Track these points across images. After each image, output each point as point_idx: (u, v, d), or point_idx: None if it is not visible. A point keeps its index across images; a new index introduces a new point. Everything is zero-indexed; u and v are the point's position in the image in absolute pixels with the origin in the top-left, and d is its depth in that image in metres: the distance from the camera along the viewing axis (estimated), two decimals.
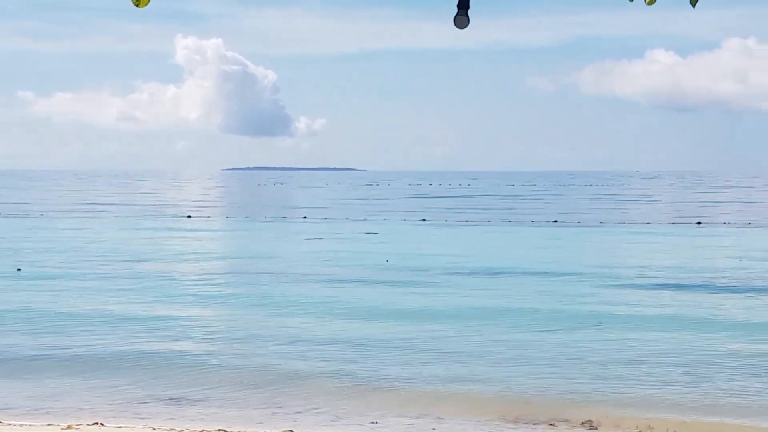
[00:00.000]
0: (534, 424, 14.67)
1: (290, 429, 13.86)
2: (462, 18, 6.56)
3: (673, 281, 31.55)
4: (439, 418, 15.00)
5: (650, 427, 14.23)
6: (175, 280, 32.55)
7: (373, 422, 14.70)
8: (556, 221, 65.10)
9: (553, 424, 14.56)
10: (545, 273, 33.88)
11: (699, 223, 62.63)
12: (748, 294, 28.59)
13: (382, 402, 16.04)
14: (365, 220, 67.12)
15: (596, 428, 14.30)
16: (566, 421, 14.72)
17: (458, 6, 6.55)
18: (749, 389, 16.70)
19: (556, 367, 18.42)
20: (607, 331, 22.22)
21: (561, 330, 22.36)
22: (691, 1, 5.33)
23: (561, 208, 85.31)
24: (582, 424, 14.51)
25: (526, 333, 22.09)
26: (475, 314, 24.58)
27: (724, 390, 16.67)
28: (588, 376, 17.71)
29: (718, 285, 30.59)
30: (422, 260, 38.17)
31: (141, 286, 30.34)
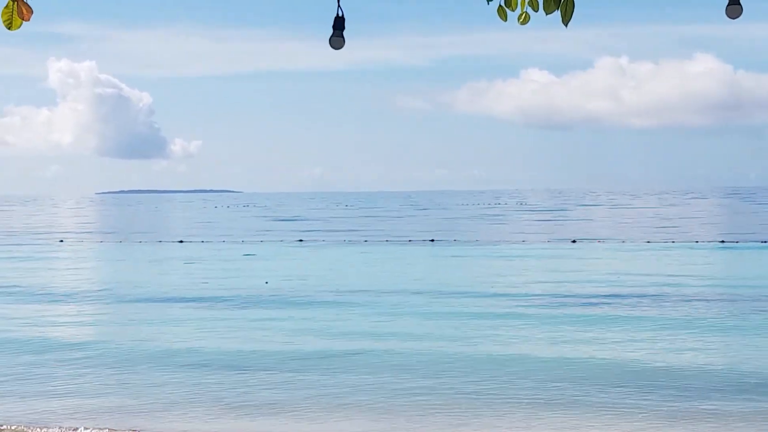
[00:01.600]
0: None
1: None
2: (337, 39, 6.45)
3: (548, 299, 31.99)
4: None
5: None
6: (47, 302, 31.66)
7: None
8: (433, 240, 65.64)
9: None
10: (424, 292, 33.95)
11: (574, 241, 64.02)
12: (621, 309, 29.20)
13: (253, 426, 15.67)
14: (242, 242, 66.41)
15: None
16: None
17: (333, 27, 6.45)
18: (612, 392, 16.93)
19: (426, 378, 18.34)
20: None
21: (438, 349, 22.27)
22: (563, 20, 5.27)
23: (438, 227, 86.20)
24: None
25: (400, 356, 21.93)
26: (355, 336, 24.34)
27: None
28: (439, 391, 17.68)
29: (594, 302, 31.16)
30: (301, 282, 37.91)
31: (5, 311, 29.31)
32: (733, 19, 5.94)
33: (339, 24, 6.44)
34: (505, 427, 15.59)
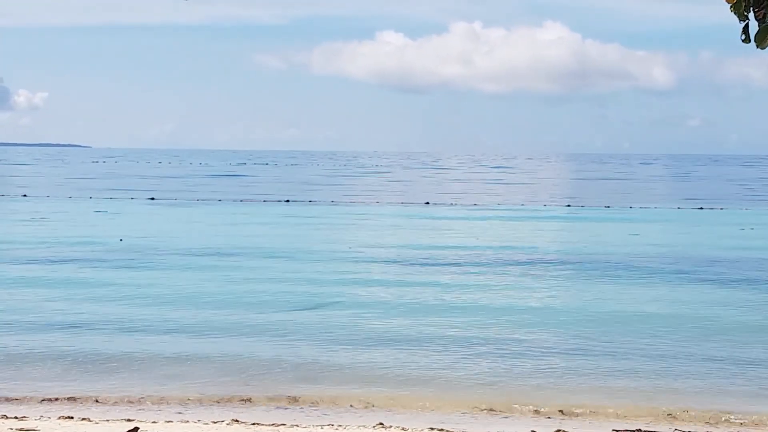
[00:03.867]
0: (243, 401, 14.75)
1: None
2: None
3: (400, 259, 32.62)
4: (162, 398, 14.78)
5: (369, 403, 14.66)
6: None
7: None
8: (288, 200, 65.62)
9: (249, 399, 14.69)
10: (274, 253, 34.07)
11: (427, 203, 65.11)
12: (474, 271, 30.06)
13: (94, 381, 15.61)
14: (91, 198, 64.93)
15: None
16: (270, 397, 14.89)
17: None
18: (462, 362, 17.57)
19: (282, 346, 18.59)
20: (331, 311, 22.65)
21: (286, 311, 22.45)
22: None
23: (293, 187, 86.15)
24: (290, 399, 14.75)
25: (255, 314, 22.04)
26: (205, 298, 24.21)
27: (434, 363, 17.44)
28: (309, 354, 18.00)
29: (449, 262, 31.96)
30: (155, 240, 37.48)
31: None
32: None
33: None
34: (347, 387, 15.98)
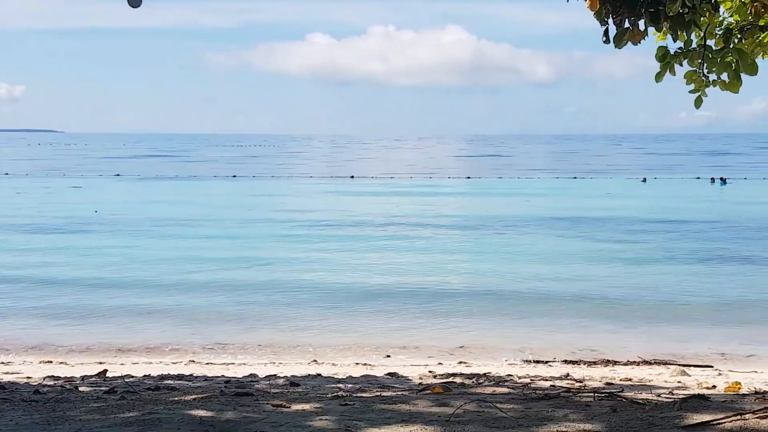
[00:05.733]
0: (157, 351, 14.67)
1: None
2: None
3: (332, 224, 32.58)
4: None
5: (303, 345, 14.70)
6: None
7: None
8: (234, 176, 64.97)
9: (177, 349, 14.60)
10: (228, 220, 33.79)
11: (352, 176, 65.01)
12: (396, 233, 30.18)
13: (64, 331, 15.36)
14: (64, 176, 63.44)
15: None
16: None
17: None
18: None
19: (228, 299, 18.48)
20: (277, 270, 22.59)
21: (234, 269, 22.32)
22: None
23: (239, 166, 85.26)
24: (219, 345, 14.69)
25: (206, 272, 21.88)
26: (165, 260, 23.87)
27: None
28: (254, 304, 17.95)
29: (374, 225, 32.05)
30: (125, 210, 36.96)
31: None
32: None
33: None
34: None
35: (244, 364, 12.95)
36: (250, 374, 11.16)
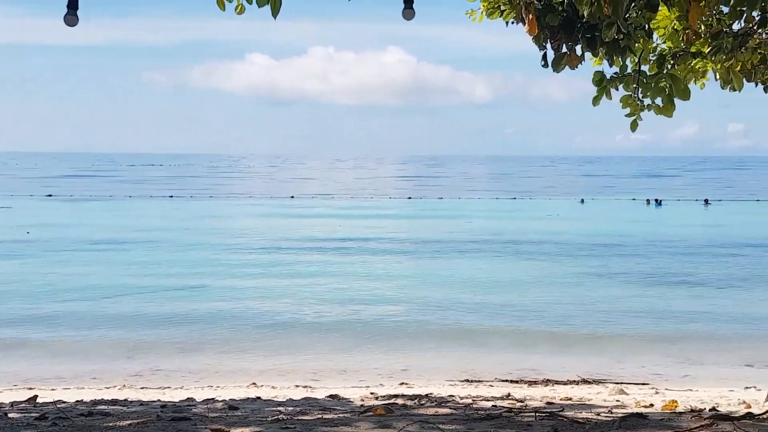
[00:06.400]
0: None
1: None
2: (71, 17, 6.21)
3: (266, 245, 32.43)
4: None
5: (241, 370, 14.57)
6: None
7: None
8: (171, 196, 64.20)
9: (111, 373, 14.40)
10: (164, 242, 33.36)
11: (292, 197, 64.79)
12: (337, 254, 30.14)
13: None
14: None
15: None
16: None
17: (68, 6, 6.19)
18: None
19: (161, 325, 18.23)
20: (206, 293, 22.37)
21: (175, 293, 22.06)
22: (272, 14, 5.25)
23: (176, 186, 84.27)
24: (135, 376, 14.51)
25: (140, 298, 21.57)
26: (96, 285, 23.40)
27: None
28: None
29: (314, 247, 31.96)
30: (58, 231, 36.20)
31: None
32: (408, 20, 6.31)
33: (73, 3, 6.21)
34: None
35: (181, 388, 12.77)
36: (188, 398, 11.02)
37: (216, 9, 5.36)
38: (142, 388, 12.78)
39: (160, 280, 23.76)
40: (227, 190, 73.97)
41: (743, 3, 5.74)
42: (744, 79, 6.95)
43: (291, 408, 9.15)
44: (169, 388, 12.83)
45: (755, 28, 6.55)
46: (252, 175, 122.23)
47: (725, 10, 6.44)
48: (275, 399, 10.78)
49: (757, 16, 6.33)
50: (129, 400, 10.79)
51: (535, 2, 6.36)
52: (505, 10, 6.57)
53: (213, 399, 10.76)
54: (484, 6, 6.73)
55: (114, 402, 10.30)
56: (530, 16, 6.36)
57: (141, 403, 10.33)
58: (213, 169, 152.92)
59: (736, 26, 6.71)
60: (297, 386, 12.82)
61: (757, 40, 6.72)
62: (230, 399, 10.65)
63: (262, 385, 12.98)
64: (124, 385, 13.06)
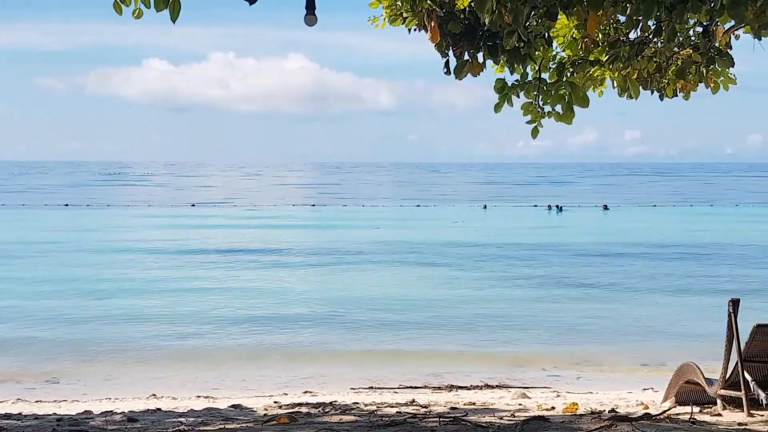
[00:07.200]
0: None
1: None
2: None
3: (165, 253, 31.90)
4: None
5: (142, 379, 14.28)
6: None
7: None
8: (67, 204, 62.39)
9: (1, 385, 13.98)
10: (57, 251, 32.41)
11: (193, 205, 63.83)
12: (239, 263, 29.83)
13: None
14: None
15: None
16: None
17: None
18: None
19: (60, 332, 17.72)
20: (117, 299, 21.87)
21: (69, 301, 21.47)
22: (171, 18, 5.17)
23: (71, 194, 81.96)
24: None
25: (29, 305, 20.91)
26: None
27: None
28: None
29: (219, 257, 31.55)
30: None
31: None
32: (310, 26, 6.30)
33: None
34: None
35: (78, 401, 12.41)
36: (85, 411, 10.71)
37: (113, 13, 5.23)
38: (37, 401, 12.36)
39: (54, 286, 23.09)
40: (125, 199, 72.31)
41: (639, 12, 5.95)
42: (640, 87, 7.20)
43: (192, 419, 9.01)
44: (65, 401, 12.45)
45: (651, 37, 6.79)
46: (150, 183, 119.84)
47: (622, 19, 6.66)
48: (176, 410, 10.59)
49: (653, 25, 6.56)
50: (23, 414, 10.42)
51: (437, 10, 6.45)
52: (407, 17, 6.63)
53: (111, 411, 10.49)
54: (386, 13, 6.78)
55: (7, 416, 9.94)
56: (432, 24, 6.44)
57: (36, 416, 10.00)
58: (110, 176, 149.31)
59: (632, 35, 6.95)
60: (198, 396, 12.62)
61: (653, 49, 6.98)
62: (129, 411, 10.40)
63: (162, 396, 12.72)
64: (18, 399, 12.60)
